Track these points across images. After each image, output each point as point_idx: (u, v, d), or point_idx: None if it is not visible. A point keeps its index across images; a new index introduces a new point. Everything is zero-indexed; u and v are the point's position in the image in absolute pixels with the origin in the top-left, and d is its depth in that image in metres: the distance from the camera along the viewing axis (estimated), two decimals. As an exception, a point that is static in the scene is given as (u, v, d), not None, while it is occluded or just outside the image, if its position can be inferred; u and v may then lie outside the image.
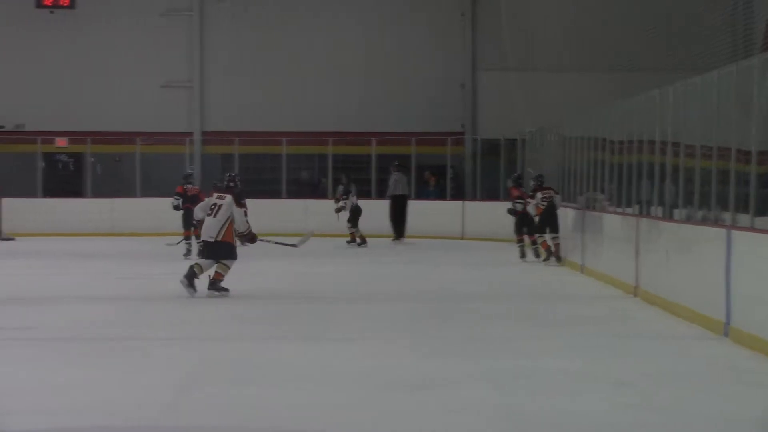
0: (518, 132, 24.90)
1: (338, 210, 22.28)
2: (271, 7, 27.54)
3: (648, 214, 13.61)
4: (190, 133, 27.59)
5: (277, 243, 15.12)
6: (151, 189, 25.43)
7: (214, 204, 13.47)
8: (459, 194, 26.50)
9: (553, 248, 18.31)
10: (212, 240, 13.34)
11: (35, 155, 26.95)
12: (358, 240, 22.31)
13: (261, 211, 24.54)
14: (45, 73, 27.39)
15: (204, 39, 27.63)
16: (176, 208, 19.59)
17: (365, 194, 26.25)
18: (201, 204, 13.90)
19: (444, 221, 25.14)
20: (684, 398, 7.64)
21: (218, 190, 13.81)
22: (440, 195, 26.40)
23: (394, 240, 23.66)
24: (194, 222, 13.95)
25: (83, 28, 27.36)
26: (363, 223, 22.33)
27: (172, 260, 17.86)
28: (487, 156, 26.33)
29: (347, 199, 22.20)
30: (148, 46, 27.51)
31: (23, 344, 9.93)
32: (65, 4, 26.69)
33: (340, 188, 23.03)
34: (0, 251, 21.38)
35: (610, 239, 15.49)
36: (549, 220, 18.35)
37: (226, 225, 13.35)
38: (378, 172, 26.04)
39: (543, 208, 18.38)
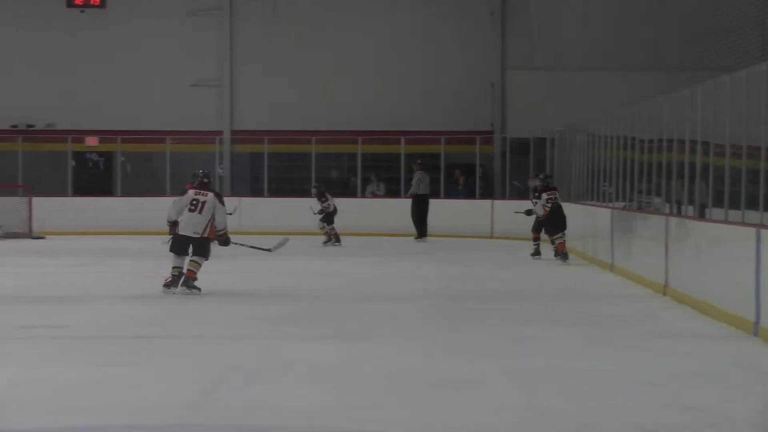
0: (548, 131, 24.86)
1: (320, 212, 21.81)
2: (301, 6, 27.55)
3: (678, 213, 13.55)
4: (219, 132, 27.66)
5: (251, 247, 14.81)
6: (181, 187, 25.35)
7: (195, 200, 13.34)
8: (488, 193, 26.46)
9: (556, 245, 18.39)
10: (198, 236, 13.24)
11: (66, 154, 27.08)
12: (333, 239, 21.89)
13: (290, 209, 24.73)
14: (75, 73, 27.53)
15: (234, 38, 27.69)
16: None
17: (394, 193, 26.29)
18: (176, 204, 13.68)
19: (473, 220, 25.11)
20: (713, 398, 7.59)
21: (197, 187, 13.54)
22: (469, 194, 26.36)
23: (416, 239, 23.67)
24: (168, 221, 13.72)
25: (113, 27, 27.46)
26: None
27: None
28: (516, 155, 26.29)
29: (327, 201, 21.88)
30: (178, 45, 27.61)
31: (52, 343, 9.97)
32: (96, 4, 26.73)
33: (313, 191, 22.71)
34: (30, 250, 21.50)
35: (639, 238, 15.42)
36: (555, 220, 18.44)
37: (210, 222, 13.29)
38: (407, 170, 26.01)
39: (548, 209, 18.46)
